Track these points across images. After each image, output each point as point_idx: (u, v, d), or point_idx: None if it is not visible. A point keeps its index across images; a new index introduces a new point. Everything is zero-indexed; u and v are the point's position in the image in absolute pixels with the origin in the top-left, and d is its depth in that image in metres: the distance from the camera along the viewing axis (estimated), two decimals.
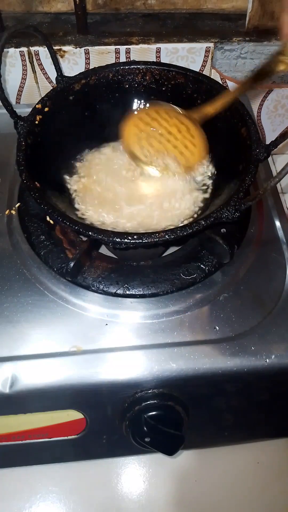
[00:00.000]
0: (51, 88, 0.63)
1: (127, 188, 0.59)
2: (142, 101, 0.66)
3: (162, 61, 0.77)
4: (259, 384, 0.53)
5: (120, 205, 0.58)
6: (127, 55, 0.77)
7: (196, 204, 0.59)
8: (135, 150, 0.58)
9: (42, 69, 0.77)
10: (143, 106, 0.61)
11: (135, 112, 0.60)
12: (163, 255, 0.61)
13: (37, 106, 0.58)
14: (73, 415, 0.53)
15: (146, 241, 0.46)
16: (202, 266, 0.55)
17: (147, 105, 0.61)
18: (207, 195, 0.59)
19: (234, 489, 0.64)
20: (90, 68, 0.73)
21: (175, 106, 0.59)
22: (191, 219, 0.57)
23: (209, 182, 0.60)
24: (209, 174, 0.61)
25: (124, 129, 0.60)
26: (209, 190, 0.60)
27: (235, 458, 0.66)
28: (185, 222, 0.56)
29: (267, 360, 0.50)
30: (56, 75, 0.62)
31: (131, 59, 0.77)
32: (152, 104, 0.61)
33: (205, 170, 0.62)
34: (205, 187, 0.60)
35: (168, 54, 0.77)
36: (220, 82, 0.80)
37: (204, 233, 0.53)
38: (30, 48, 0.74)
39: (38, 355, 0.50)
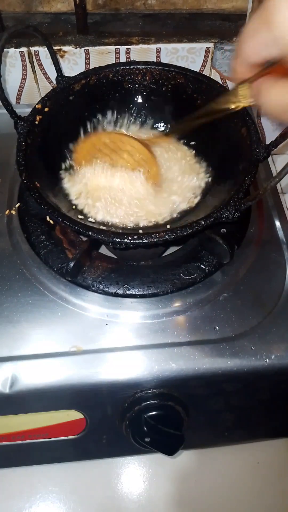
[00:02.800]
0: (51, 88, 0.63)
1: (127, 187, 0.59)
2: (143, 101, 0.66)
3: (162, 61, 0.77)
4: (259, 384, 0.53)
5: (120, 204, 0.58)
6: (127, 55, 0.77)
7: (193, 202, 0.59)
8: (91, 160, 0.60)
9: (42, 69, 0.77)
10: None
11: (87, 138, 0.62)
12: (163, 255, 0.61)
13: (37, 106, 0.58)
14: (73, 415, 0.53)
15: (146, 241, 0.46)
16: (202, 266, 0.55)
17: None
18: (206, 195, 0.59)
19: (234, 489, 0.64)
20: (90, 68, 0.73)
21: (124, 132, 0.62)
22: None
23: (208, 179, 0.60)
24: (207, 177, 0.61)
25: (76, 151, 0.61)
26: (209, 191, 0.60)
27: (235, 458, 0.66)
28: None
29: (267, 360, 0.50)
30: (56, 75, 0.62)
31: (131, 59, 0.77)
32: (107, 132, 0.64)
33: (204, 172, 0.62)
34: (203, 188, 0.60)
35: (168, 54, 0.77)
36: (220, 82, 0.80)
37: (204, 233, 0.53)
38: (30, 48, 0.74)
39: (38, 355, 0.50)
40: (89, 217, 0.57)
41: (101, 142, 0.60)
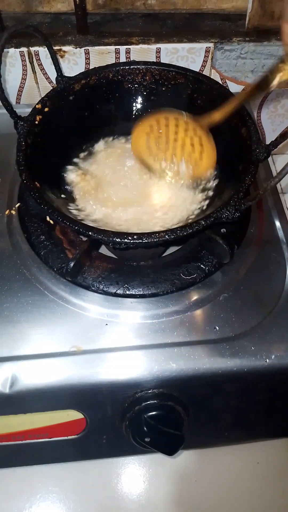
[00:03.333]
0: (51, 88, 0.63)
1: (127, 187, 0.59)
2: (143, 101, 0.66)
3: (162, 61, 0.77)
4: (259, 384, 0.53)
5: (120, 204, 0.58)
6: (127, 55, 0.77)
7: (195, 204, 0.59)
8: (144, 155, 0.58)
9: (42, 69, 0.77)
10: (153, 112, 0.60)
11: (145, 118, 0.60)
12: (163, 255, 0.61)
13: (37, 106, 0.58)
14: (73, 415, 0.53)
15: (146, 241, 0.46)
16: (202, 266, 0.55)
17: (158, 111, 0.60)
18: (206, 195, 0.59)
19: (234, 489, 0.64)
20: (90, 68, 0.73)
21: (185, 113, 0.58)
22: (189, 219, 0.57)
23: (211, 183, 0.60)
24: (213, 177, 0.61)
25: (134, 134, 0.59)
26: (210, 192, 0.60)
27: (235, 458, 0.66)
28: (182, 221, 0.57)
29: (267, 360, 0.50)
30: (56, 75, 0.62)
31: (131, 59, 0.77)
32: (162, 111, 0.60)
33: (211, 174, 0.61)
34: (206, 190, 0.60)
35: (168, 54, 0.77)
36: (220, 82, 0.80)
37: (204, 233, 0.53)
38: (30, 48, 0.74)
39: (38, 355, 0.50)
40: (89, 216, 0.57)
41: (158, 125, 0.58)
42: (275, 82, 0.45)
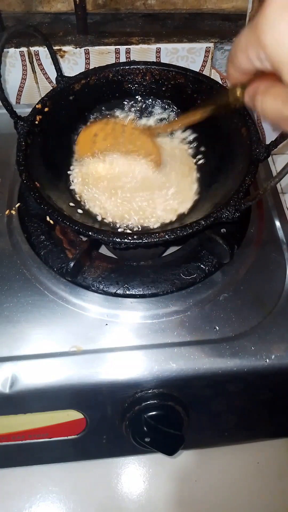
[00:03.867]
0: (51, 88, 0.63)
1: (126, 187, 0.59)
2: (143, 101, 0.66)
3: (162, 61, 0.77)
4: (259, 384, 0.53)
5: (119, 204, 0.58)
6: (127, 55, 0.77)
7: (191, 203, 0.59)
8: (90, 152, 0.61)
9: (42, 69, 0.77)
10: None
11: (92, 124, 0.62)
12: (163, 255, 0.61)
13: (37, 106, 0.58)
14: (73, 415, 0.53)
15: (146, 241, 0.46)
16: (202, 266, 0.55)
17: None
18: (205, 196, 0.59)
19: (234, 489, 0.64)
20: (90, 68, 0.73)
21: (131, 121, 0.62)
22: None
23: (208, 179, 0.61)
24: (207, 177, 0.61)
25: (79, 139, 0.61)
26: (208, 191, 0.60)
27: (235, 458, 0.66)
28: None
29: (267, 360, 0.50)
30: (56, 75, 0.62)
31: (131, 59, 0.77)
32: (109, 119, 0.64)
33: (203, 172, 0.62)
34: (203, 188, 0.60)
35: (168, 54, 0.77)
36: (220, 82, 0.80)
37: (204, 233, 0.53)
38: (30, 48, 0.74)
39: (38, 355, 0.50)
40: (89, 216, 0.57)
41: (102, 131, 0.60)
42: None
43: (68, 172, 0.62)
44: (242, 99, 0.39)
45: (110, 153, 0.61)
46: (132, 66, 0.64)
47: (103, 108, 0.65)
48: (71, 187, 0.60)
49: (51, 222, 0.58)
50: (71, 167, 0.62)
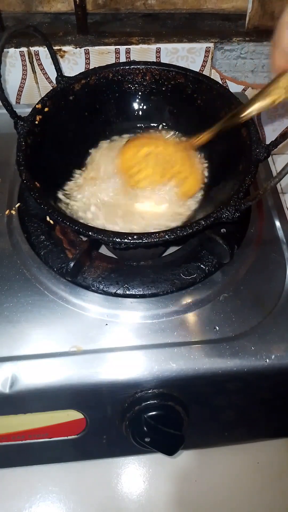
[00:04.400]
0: (51, 88, 0.63)
1: (125, 189, 0.59)
2: (143, 101, 0.66)
3: (162, 61, 0.77)
4: (259, 384, 0.53)
5: (119, 204, 0.58)
6: (127, 55, 0.77)
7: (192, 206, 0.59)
8: (130, 177, 0.59)
9: (42, 69, 0.77)
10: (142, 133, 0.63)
11: (135, 137, 0.61)
12: (163, 255, 0.61)
13: (37, 106, 0.58)
14: (73, 415, 0.53)
15: (146, 241, 0.46)
16: (202, 266, 0.55)
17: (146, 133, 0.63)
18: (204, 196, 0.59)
19: (234, 489, 0.64)
20: (90, 68, 0.73)
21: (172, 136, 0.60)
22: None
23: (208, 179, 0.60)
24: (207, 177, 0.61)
25: (122, 153, 0.60)
26: (209, 191, 0.60)
27: (235, 458, 0.66)
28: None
29: (267, 360, 0.50)
30: (56, 75, 0.62)
31: (131, 59, 0.77)
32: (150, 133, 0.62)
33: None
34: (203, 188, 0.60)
35: (168, 54, 0.77)
36: (220, 82, 0.80)
37: (204, 233, 0.53)
38: (30, 48, 0.74)
39: (38, 355, 0.50)
40: (89, 215, 0.57)
41: (146, 148, 0.59)
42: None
43: (66, 174, 0.61)
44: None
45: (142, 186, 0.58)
46: (132, 66, 0.64)
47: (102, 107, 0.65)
48: (69, 191, 0.60)
49: (51, 222, 0.58)
50: (68, 168, 0.62)
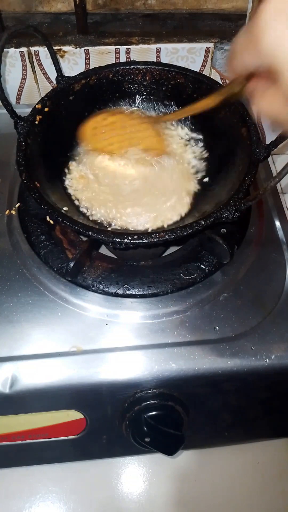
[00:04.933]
0: (51, 88, 0.63)
1: (126, 186, 0.59)
2: (143, 101, 0.66)
3: (162, 61, 0.77)
4: (259, 384, 0.53)
5: (119, 204, 0.58)
6: (127, 55, 0.76)
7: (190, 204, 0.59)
8: (97, 145, 0.60)
9: (42, 69, 0.77)
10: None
11: (95, 115, 0.62)
12: (163, 255, 0.61)
13: (37, 106, 0.58)
14: (73, 415, 0.53)
15: (146, 241, 0.46)
16: (202, 266, 0.55)
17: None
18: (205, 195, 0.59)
19: (234, 489, 0.64)
20: (90, 68, 0.73)
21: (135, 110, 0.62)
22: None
23: (208, 179, 0.60)
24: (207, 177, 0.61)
25: (82, 131, 0.61)
26: (208, 191, 0.60)
27: (235, 458, 0.66)
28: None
29: (267, 360, 0.50)
30: (56, 75, 0.62)
31: (131, 59, 0.77)
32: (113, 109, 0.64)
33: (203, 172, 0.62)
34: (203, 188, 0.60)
35: (168, 54, 0.77)
36: (220, 82, 0.80)
37: (204, 233, 0.53)
38: (30, 48, 0.74)
39: (38, 355, 0.50)
40: (89, 217, 0.57)
41: (105, 121, 0.60)
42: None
43: (66, 171, 0.61)
44: (241, 95, 0.39)
45: (111, 150, 0.60)
46: (132, 66, 0.64)
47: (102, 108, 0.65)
48: (68, 191, 0.60)
49: (51, 222, 0.58)
50: (68, 168, 0.62)
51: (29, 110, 0.58)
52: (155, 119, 0.62)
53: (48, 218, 0.58)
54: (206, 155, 0.63)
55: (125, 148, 0.60)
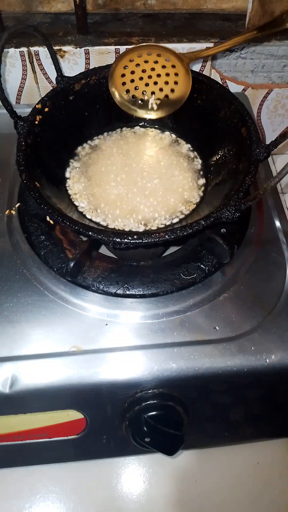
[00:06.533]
0: (51, 88, 0.63)
1: (126, 187, 0.59)
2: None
3: None
4: (259, 384, 0.53)
5: (119, 204, 0.58)
6: None
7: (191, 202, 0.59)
8: (121, 93, 0.61)
9: (42, 69, 0.77)
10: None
11: (126, 53, 0.61)
12: (163, 255, 0.61)
13: (37, 106, 0.58)
14: (73, 415, 0.53)
15: (146, 241, 0.46)
16: (202, 266, 0.55)
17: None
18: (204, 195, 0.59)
19: (234, 489, 0.64)
20: (90, 68, 0.73)
21: (167, 47, 0.61)
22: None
23: (207, 179, 0.61)
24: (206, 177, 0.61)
25: (112, 69, 0.61)
26: (208, 191, 0.60)
27: (235, 458, 0.66)
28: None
29: (267, 360, 0.50)
30: (56, 75, 0.62)
31: None
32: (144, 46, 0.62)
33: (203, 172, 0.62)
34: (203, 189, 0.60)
35: None
36: (220, 82, 0.80)
37: (204, 233, 0.53)
38: (30, 48, 0.74)
39: (38, 355, 0.50)
40: (89, 217, 0.57)
41: (132, 64, 0.61)
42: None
43: (66, 171, 0.61)
44: None
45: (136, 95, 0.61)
46: None
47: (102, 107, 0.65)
48: (68, 191, 0.60)
49: (51, 222, 0.58)
50: (69, 168, 0.62)
51: (29, 110, 0.58)
52: (185, 56, 0.61)
53: (48, 218, 0.58)
54: (205, 155, 0.63)
55: (149, 93, 0.61)
